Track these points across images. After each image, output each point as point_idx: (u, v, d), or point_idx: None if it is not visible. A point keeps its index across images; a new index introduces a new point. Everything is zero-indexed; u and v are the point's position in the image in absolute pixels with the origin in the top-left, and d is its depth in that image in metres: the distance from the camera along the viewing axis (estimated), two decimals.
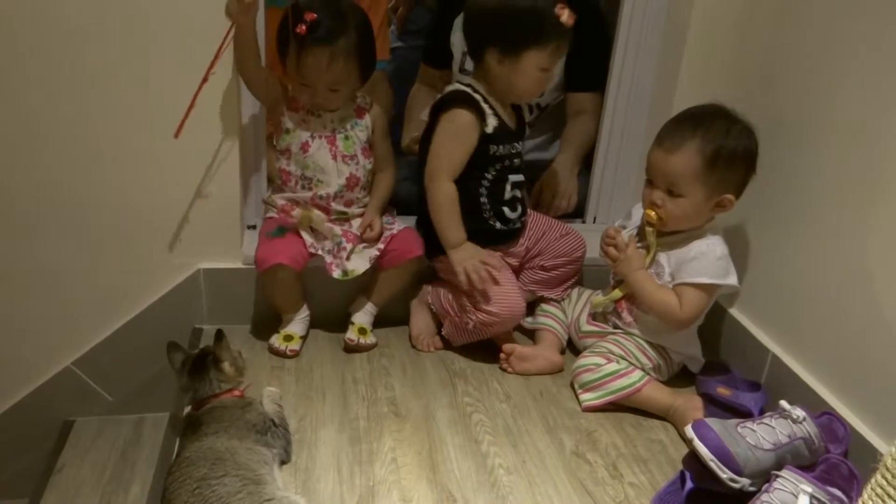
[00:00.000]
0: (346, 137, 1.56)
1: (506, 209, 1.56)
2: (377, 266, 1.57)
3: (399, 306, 1.64)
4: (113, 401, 1.64)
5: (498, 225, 1.56)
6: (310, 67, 1.45)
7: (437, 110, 1.51)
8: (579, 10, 1.91)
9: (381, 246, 1.56)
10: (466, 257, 1.48)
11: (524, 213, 1.62)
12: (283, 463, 1.23)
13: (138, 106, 1.45)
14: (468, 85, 1.51)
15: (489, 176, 1.53)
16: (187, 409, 1.25)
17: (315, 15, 1.42)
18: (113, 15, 1.38)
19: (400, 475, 1.25)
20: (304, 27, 1.41)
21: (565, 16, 1.43)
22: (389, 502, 1.19)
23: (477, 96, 1.49)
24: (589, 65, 1.83)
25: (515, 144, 1.56)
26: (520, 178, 1.59)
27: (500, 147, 1.52)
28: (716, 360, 1.58)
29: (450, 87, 1.54)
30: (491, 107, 1.50)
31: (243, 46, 1.43)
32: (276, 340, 1.55)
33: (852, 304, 1.29)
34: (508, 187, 1.56)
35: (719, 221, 1.49)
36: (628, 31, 1.69)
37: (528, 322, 1.66)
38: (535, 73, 1.47)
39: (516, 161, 1.57)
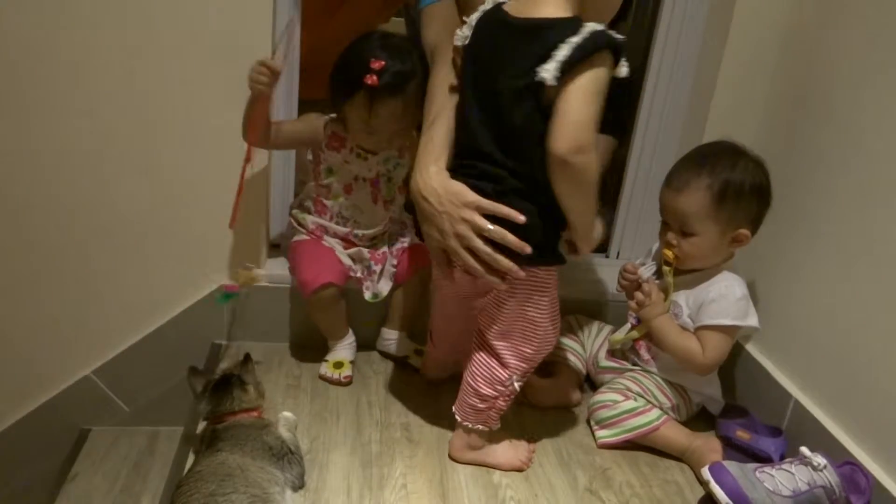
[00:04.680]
0: (389, 180, 1.53)
1: None
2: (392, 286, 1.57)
3: (416, 329, 1.63)
4: (129, 412, 1.65)
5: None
6: (382, 118, 1.37)
7: (572, 63, 1.08)
8: None
9: (394, 262, 1.56)
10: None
11: None
12: (295, 490, 1.22)
13: (170, 124, 1.47)
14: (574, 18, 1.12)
15: None
16: (202, 425, 1.25)
17: (383, 62, 1.33)
18: (148, 34, 1.41)
19: (409, 501, 1.23)
20: (374, 77, 1.32)
21: None
22: None
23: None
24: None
25: None
26: None
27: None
28: (735, 404, 1.55)
29: (590, 27, 1.10)
30: None
31: (257, 121, 1.36)
32: (327, 369, 1.53)
33: (879, 351, 1.26)
34: None
35: (739, 260, 1.47)
36: (659, 68, 1.69)
37: None
38: None
39: None
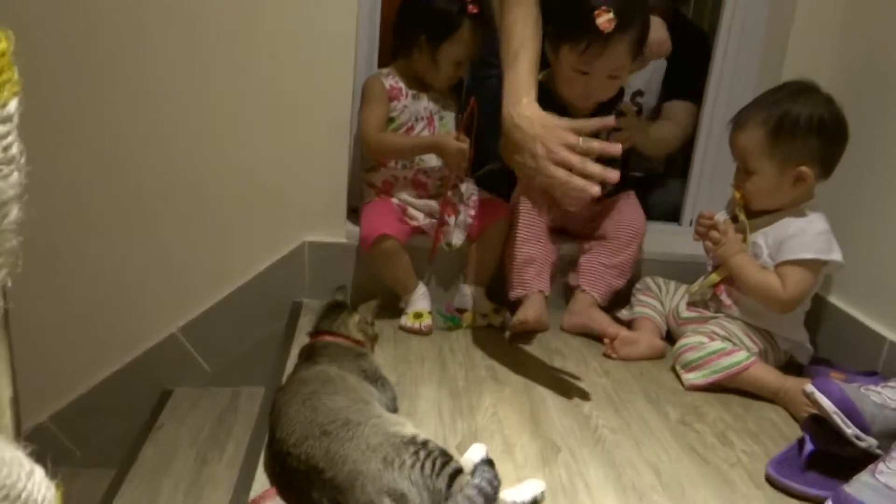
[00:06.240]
0: (441, 118, 1.62)
1: None
2: (468, 239, 1.60)
3: (497, 283, 1.63)
4: (211, 372, 1.68)
5: None
6: (480, 43, 1.54)
7: None
8: (675, 23, 1.96)
9: (471, 212, 1.59)
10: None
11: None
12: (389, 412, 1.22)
13: (252, 87, 1.54)
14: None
15: None
16: (306, 339, 1.29)
17: None
18: (228, 8, 1.49)
19: (502, 426, 1.22)
20: (475, 5, 1.50)
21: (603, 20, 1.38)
22: (493, 446, 1.16)
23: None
24: (685, 74, 1.86)
25: None
26: None
27: None
28: (823, 357, 1.52)
29: None
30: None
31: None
32: (408, 320, 1.56)
33: None
34: None
35: (822, 205, 1.45)
36: (729, 29, 1.72)
37: (625, 314, 1.64)
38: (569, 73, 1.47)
39: None
